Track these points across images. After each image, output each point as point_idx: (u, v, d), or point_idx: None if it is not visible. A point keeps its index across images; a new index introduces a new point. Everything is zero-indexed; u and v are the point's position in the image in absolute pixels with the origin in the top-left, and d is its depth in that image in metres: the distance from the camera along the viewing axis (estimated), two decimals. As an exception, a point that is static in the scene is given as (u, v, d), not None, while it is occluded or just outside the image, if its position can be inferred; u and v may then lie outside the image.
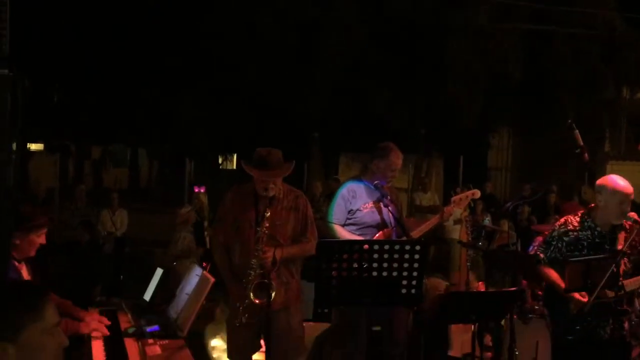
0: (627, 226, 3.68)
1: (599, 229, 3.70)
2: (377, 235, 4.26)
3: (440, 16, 13.99)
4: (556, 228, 3.82)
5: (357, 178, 4.51)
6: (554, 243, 3.78)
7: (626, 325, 3.65)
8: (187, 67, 14.14)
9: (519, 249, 5.40)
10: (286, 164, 3.88)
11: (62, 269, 8.28)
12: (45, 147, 20.38)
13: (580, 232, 3.72)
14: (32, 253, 3.27)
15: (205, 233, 8.69)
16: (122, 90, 14.77)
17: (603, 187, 3.71)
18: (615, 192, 3.65)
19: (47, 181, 12.80)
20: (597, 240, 3.70)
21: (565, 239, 3.74)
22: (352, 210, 4.31)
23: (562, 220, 3.86)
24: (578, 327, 3.57)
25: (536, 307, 4.93)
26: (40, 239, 3.26)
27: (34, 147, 21.86)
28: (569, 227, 3.76)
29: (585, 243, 3.70)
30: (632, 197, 3.69)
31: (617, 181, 3.70)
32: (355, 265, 3.32)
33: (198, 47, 13.97)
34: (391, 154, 4.34)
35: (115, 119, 15.56)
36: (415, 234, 4.23)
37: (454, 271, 5.81)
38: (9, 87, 2.34)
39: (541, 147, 17.03)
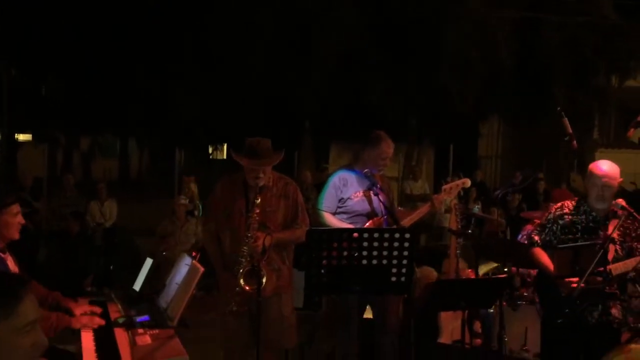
0: (620, 213, 3.70)
1: (594, 214, 3.74)
2: (367, 224, 4.27)
3: (434, 4, 13.96)
4: (552, 211, 3.86)
5: (349, 167, 4.51)
6: (549, 226, 3.82)
7: (614, 311, 3.68)
8: (178, 55, 14.04)
9: (508, 236, 5.43)
10: (276, 153, 3.90)
11: (52, 260, 8.25)
12: (33, 137, 20.21)
13: (575, 216, 3.76)
14: (15, 235, 3.18)
15: (196, 221, 8.69)
16: (111, 79, 14.64)
17: (588, 172, 3.77)
18: (593, 175, 3.71)
19: (36, 172, 12.68)
20: (591, 224, 3.73)
21: (560, 222, 3.79)
22: (343, 198, 4.32)
23: (559, 204, 3.90)
24: (567, 311, 3.60)
25: (525, 294, 4.97)
26: (18, 218, 3.16)
27: (22, 137, 21.68)
28: (564, 211, 3.80)
29: (579, 227, 3.74)
30: (614, 182, 3.69)
31: (599, 165, 3.74)
32: (345, 253, 3.33)
33: (189, 35, 13.88)
34: (382, 143, 4.35)
35: (105, 109, 15.43)
36: (406, 222, 4.24)
37: (444, 259, 5.83)
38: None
39: (531, 135, 17.11)
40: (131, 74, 14.46)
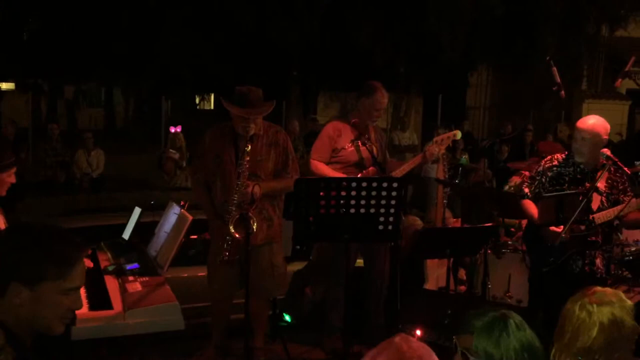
0: (605, 163, 3.72)
1: (581, 166, 3.78)
2: (361, 174, 4.28)
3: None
4: (542, 164, 3.91)
5: (343, 117, 4.49)
6: (538, 178, 3.87)
7: (597, 261, 3.77)
8: (164, 3, 13.70)
9: (494, 186, 5.47)
10: (267, 103, 3.85)
11: (37, 210, 8.23)
12: (16, 86, 19.83)
13: (563, 168, 3.81)
14: (3, 193, 3.23)
15: (185, 175, 8.65)
16: (95, 26, 14.31)
17: (576, 127, 3.79)
18: (576, 128, 3.75)
19: (20, 121, 12.52)
20: (578, 176, 3.78)
21: (549, 173, 3.84)
22: (336, 148, 4.31)
23: (549, 157, 3.94)
24: (552, 260, 3.68)
25: (509, 242, 5.06)
26: (10, 178, 3.21)
27: (4, 86, 21.27)
28: (554, 163, 3.85)
29: (567, 178, 3.79)
30: (594, 138, 3.70)
31: (584, 120, 3.77)
32: (333, 202, 3.35)
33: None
34: (377, 93, 4.32)
35: (89, 55, 15.12)
36: (397, 173, 4.26)
37: (430, 208, 5.90)
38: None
39: (519, 86, 17.06)
40: (116, 21, 14.13)
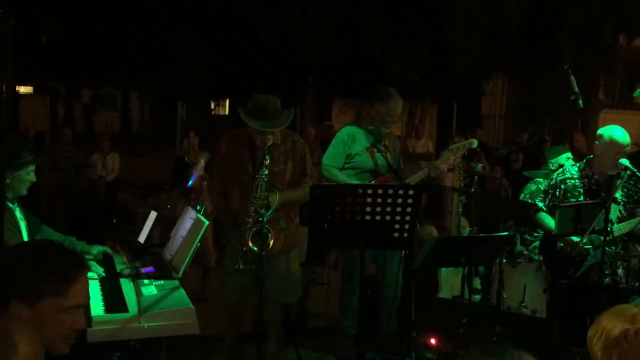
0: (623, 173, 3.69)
1: (596, 177, 3.75)
2: (375, 181, 4.28)
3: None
4: (554, 177, 3.87)
5: (357, 123, 4.49)
6: (551, 192, 3.84)
7: (619, 271, 3.72)
8: (180, 9, 13.81)
9: (510, 195, 5.43)
10: (285, 113, 3.80)
11: (55, 213, 8.31)
12: (34, 89, 20.08)
13: (578, 180, 3.78)
14: (24, 191, 3.26)
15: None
16: (113, 32, 14.45)
17: (601, 137, 3.73)
18: (613, 142, 3.68)
19: (37, 124, 12.66)
20: (593, 187, 3.75)
21: (563, 186, 3.80)
22: (350, 154, 4.31)
23: (561, 169, 3.91)
24: (571, 272, 3.64)
25: (525, 252, 5.01)
26: (30, 176, 3.24)
27: (23, 89, 21.52)
28: (566, 175, 3.81)
29: (582, 190, 3.75)
30: (629, 148, 3.68)
31: (615, 131, 3.72)
32: (349, 209, 3.35)
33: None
34: (392, 100, 4.31)
35: (106, 60, 15.28)
36: (411, 180, 4.25)
37: (445, 217, 5.86)
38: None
39: (535, 95, 16.96)
40: (133, 27, 14.26)
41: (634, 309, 1.77)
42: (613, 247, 3.63)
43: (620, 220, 3.67)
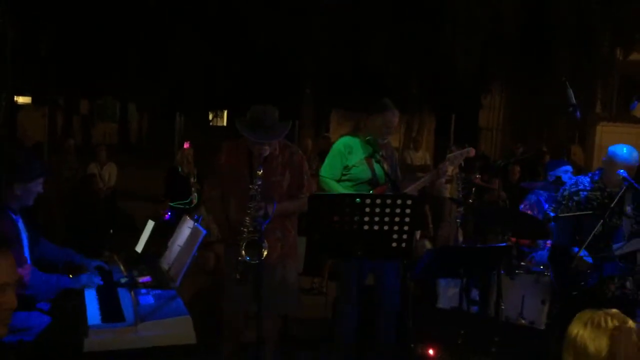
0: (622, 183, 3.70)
1: (608, 189, 3.75)
2: (373, 191, 4.27)
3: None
4: (567, 188, 3.87)
5: (353, 134, 4.49)
6: (564, 202, 3.83)
7: (628, 283, 3.71)
8: (178, 19, 13.87)
9: (508, 206, 5.44)
10: (282, 125, 3.80)
11: (55, 222, 8.29)
12: (33, 100, 20.10)
13: (590, 192, 3.77)
14: (31, 202, 3.29)
15: (193, 189, 8.56)
16: (110, 42, 14.49)
17: (608, 153, 3.76)
18: (628, 164, 3.71)
19: (36, 135, 12.66)
20: (606, 200, 3.74)
21: (576, 198, 3.80)
22: (347, 166, 4.30)
23: (574, 181, 3.91)
24: (582, 284, 3.63)
25: (522, 264, 5.01)
26: (38, 188, 3.28)
27: (21, 100, 21.54)
28: (579, 187, 3.81)
29: (595, 203, 3.75)
30: (635, 166, 3.69)
31: (622, 150, 3.74)
32: (347, 218, 3.34)
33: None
34: (388, 111, 4.31)
35: (104, 71, 15.32)
36: (410, 190, 4.25)
37: (442, 226, 5.86)
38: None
39: (532, 107, 17.03)
40: (131, 37, 14.31)
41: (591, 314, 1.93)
42: (622, 261, 3.62)
43: (634, 233, 3.66)
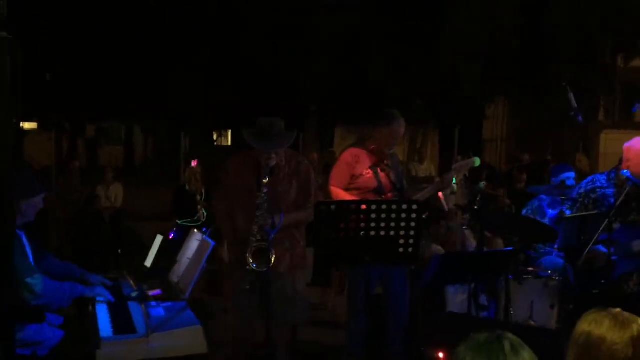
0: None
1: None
2: None
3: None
4: (583, 186, 3.87)
5: (361, 144, 4.52)
6: (580, 200, 3.83)
7: None
8: (181, 41, 14.03)
9: (514, 212, 5.44)
10: (288, 134, 3.88)
11: (63, 244, 8.34)
12: (39, 125, 20.28)
13: (607, 190, 3.78)
14: (33, 217, 3.34)
15: (199, 207, 8.56)
16: (114, 66, 14.65)
17: (626, 148, 3.76)
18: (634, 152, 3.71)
19: (42, 159, 12.78)
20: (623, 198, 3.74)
21: (593, 196, 3.80)
22: (354, 175, 4.34)
23: (590, 178, 3.91)
24: (603, 282, 3.61)
25: (530, 269, 5.00)
26: (40, 203, 3.33)
27: (27, 126, 21.71)
28: (596, 185, 3.81)
29: (612, 200, 3.75)
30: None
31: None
32: (353, 225, 3.37)
33: (192, 21, 13.86)
34: (395, 122, 4.36)
35: (109, 96, 15.48)
36: (422, 196, 4.28)
37: (449, 234, 5.86)
38: (9, 50, 2.28)
39: (536, 118, 17.06)
40: (135, 61, 14.46)
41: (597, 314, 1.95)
42: None
43: None
